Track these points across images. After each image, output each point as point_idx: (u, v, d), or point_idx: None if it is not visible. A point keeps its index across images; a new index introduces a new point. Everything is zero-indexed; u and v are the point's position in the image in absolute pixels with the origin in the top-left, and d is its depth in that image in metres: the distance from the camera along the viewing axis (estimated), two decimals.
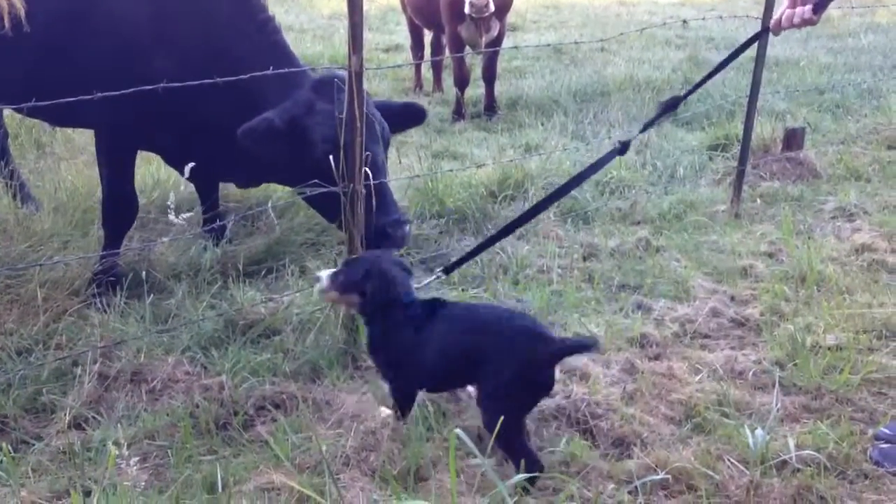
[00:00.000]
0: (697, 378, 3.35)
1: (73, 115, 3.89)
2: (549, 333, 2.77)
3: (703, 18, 8.54)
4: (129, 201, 4.01)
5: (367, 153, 3.35)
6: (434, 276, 3.31)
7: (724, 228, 4.96)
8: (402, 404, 2.92)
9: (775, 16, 3.17)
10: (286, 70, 3.61)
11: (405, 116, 3.96)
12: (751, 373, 3.37)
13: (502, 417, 2.42)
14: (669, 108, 3.66)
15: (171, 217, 2.86)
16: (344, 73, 3.36)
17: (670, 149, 6.33)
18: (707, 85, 8.28)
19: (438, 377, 2.84)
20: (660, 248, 4.64)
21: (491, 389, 2.65)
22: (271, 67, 3.47)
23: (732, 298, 4.08)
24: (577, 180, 3.53)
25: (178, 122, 3.84)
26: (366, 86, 3.34)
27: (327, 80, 3.74)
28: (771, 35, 3.54)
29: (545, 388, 2.70)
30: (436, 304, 2.92)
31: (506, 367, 2.62)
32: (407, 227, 3.83)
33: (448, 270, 3.37)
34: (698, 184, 5.77)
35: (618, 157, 5.74)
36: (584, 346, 2.67)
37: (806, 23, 3.08)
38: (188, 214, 2.90)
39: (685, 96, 3.69)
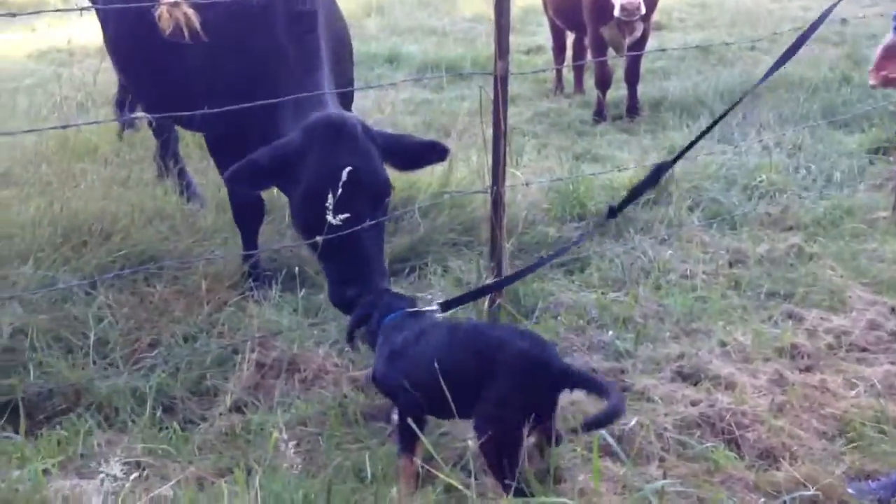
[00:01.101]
0: (853, 392, 3.21)
1: (189, 121, 4.13)
2: (553, 359, 2.60)
3: (863, 16, 8.06)
4: (251, 201, 4.12)
5: (346, 215, 3.01)
6: (431, 308, 3.01)
7: (884, 236, 4.68)
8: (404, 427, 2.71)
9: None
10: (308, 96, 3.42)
11: (424, 154, 3.53)
12: None
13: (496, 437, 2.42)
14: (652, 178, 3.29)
15: (329, 218, 3.00)
16: (339, 115, 3.28)
17: (826, 151, 6.03)
18: (866, 84, 7.83)
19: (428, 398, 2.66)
20: (813, 256, 4.45)
21: (484, 411, 2.53)
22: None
23: (893, 310, 3.86)
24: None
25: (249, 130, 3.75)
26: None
27: (321, 124, 3.29)
28: None
29: (543, 411, 2.50)
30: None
31: (501, 390, 2.50)
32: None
33: (446, 307, 3.09)
34: (857, 189, 5.47)
35: (768, 161, 5.63)
36: (599, 389, 2.53)
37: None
38: (346, 216, 3.03)
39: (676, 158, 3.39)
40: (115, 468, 2.15)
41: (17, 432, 2.80)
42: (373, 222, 3.21)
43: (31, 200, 4.50)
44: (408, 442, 2.65)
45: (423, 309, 2.97)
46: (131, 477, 2.24)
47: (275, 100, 3.30)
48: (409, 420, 2.64)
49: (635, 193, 3.29)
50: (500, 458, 2.46)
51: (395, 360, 2.76)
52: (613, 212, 3.26)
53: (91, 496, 2.17)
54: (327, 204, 3.00)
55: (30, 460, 2.57)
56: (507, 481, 2.43)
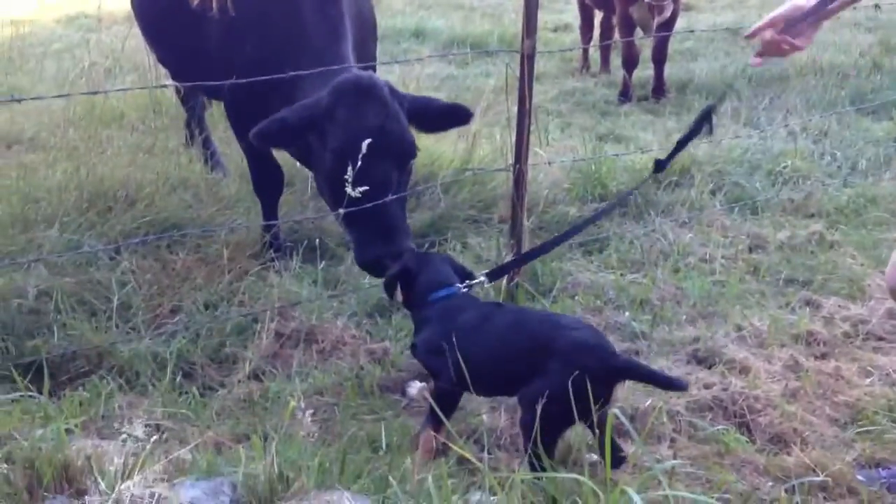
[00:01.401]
0: (868, 381, 3.21)
1: (212, 89, 4.15)
2: (608, 349, 2.62)
3: None
4: (271, 172, 4.17)
5: (375, 171, 3.12)
6: (477, 281, 3.00)
7: None
8: (442, 405, 2.69)
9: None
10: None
11: (449, 117, 3.55)
12: None
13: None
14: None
15: (348, 190, 3.05)
16: (367, 75, 3.32)
17: (853, 138, 5.97)
18: None
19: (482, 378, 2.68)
20: (834, 244, 4.42)
21: (532, 395, 2.49)
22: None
23: None
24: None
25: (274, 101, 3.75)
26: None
27: (350, 84, 3.34)
28: None
29: (595, 402, 2.41)
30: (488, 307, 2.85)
31: (552, 377, 2.48)
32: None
33: (492, 276, 3.12)
34: (881, 177, 5.41)
35: (793, 147, 5.58)
36: (661, 381, 2.61)
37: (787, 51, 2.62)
38: (366, 188, 3.08)
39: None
40: (138, 429, 2.21)
41: (40, 392, 2.87)
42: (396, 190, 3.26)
43: (57, 165, 4.56)
44: (437, 418, 2.62)
45: (474, 282, 2.96)
46: (152, 439, 2.30)
47: (297, 72, 3.32)
48: (445, 398, 2.68)
49: (683, 143, 3.25)
50: (538, 441, 2.42)
51: (451, 336, 2.69)
52: (660, 166, 3.26)
53: (113, 456, 2.23)
54: (351, 166, 3.04)
55: (53, 420, 2.62)
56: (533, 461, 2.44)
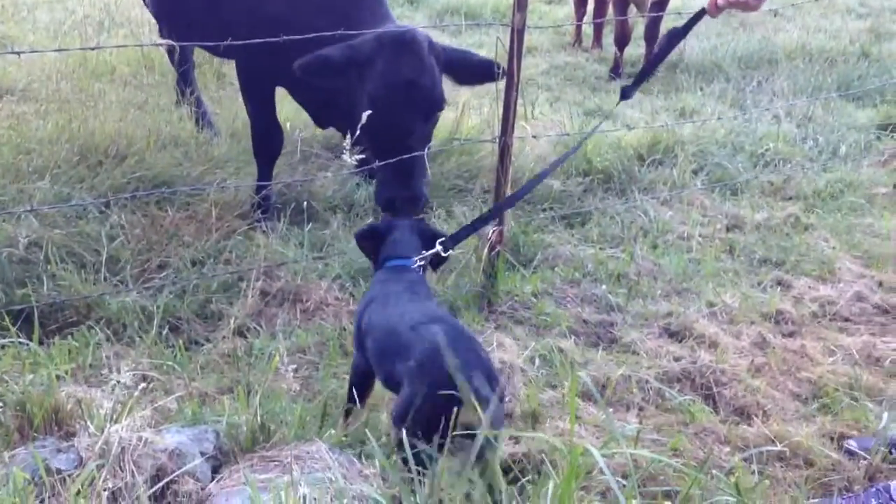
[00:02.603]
0: (831, 360, 3.34)
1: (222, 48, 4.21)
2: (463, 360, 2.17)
3: None
4: (273, 133, 4.25)
5: (402, 124, 3.40)
6: (432, 251, 2.91)
7: (881, 212, 4.77)
8: (354, 382, 2.62)
9: None
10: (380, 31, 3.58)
11: (481, 72, 3.74)
12: (888, 360, 3.32)
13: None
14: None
15: (345, 157, 3.14)
16: (410, 30, 3.50)
17: (836, 124, 6.07)
18: (885, 59, 7.76)
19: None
20: (809, 227, 4.54)
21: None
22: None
23: (881, 284, 3.97)
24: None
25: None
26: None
27: (394, 35, 3.53)
28: None
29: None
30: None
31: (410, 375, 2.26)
32: (419, 202, 3.53)
33: (446, 245, 2.94)
34: (861, 163, 5.53)
35: (777, 130, 5.67)
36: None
37: (743, 6, 2.82)
38: (361, 156, 3.18)
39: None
40: (126, 377, 2.29)
41: (30, 339, 2.94)
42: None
43: (49, 117, 4.59)
44: (350, 397, 2.59)
45: (428, 253, 2.85)
46: (139, 387, 2.39)
47: (299, 36, 3.36)
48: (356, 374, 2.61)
49: (646, 72, 3.43)
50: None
51: (364, 310, 2.63)
52: (625, 94, 3.30)
53: (101, 401, 2.32)
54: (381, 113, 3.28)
55: (42, 366, 2.71)
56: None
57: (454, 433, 2.00)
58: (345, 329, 3.35)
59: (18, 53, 2.60)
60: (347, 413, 2.64)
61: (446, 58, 3.63)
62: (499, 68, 3.66)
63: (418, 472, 1.96)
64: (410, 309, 2.51)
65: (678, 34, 3.22)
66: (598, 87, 7.14)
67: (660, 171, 5.06)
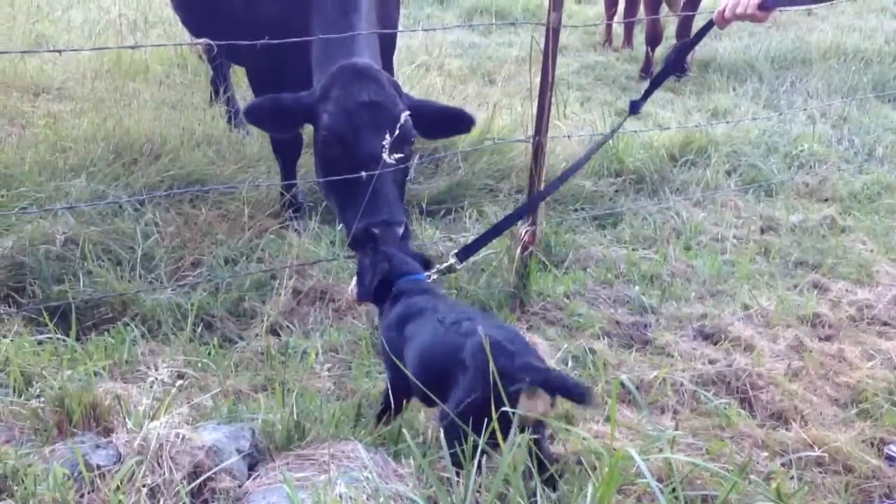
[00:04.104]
0: (870, 364, 3.28)
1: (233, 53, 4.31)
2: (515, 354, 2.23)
3: None
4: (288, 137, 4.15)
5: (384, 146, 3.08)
6: (446, 265, 2.92)
7: None
8: (390, 402, 2.53)
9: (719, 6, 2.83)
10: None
11: (450, 122, 3.46)
12: None
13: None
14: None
15: (385, 156, 3.10)
16: (363, 63, 3.28)
17: (871, 125, 5.98)
18: None
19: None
20: (846, 229, 4.48)
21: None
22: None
23: None
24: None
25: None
26: None
27: (346, 70, 3.33)
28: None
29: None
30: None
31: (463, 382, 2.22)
32: (398, 229, 3.16)
33: (461, 256, 2.96)
34: None
35: (812, 131, 5.60)
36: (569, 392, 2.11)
37: (751, 18, 2.77)
38: (399, 155, 3.15)
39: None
40: (164, 373, 2.31)
41: (67, 335, 2.97)
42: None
43: (84, 115, 4.63)
44: (380, 414, 2.55)
45: (443, 266, 2.85)
46: (176, 384, 2.40)
47: (306, 37, 3.37)
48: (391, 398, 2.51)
49: (655, 85, 3.34)
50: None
51: (392, 332, 2.56)
52: (635, 107, 3.28)
53: (139, 398, 2.33)
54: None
55: (80, 362, 2.73)
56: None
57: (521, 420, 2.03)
58: (376, 328, 3.35)
59: (59, 51, 2.62)
60: (380, 417, 2.62)
61: (409, 103, 3.33)
62: (471, 120, 3.40)
63: (456, 473, 1.95)
64: (446, 312, 2.49)
65: (686, 46, 3.21)
66: (628, 87, 7.09)
67: (692, 171, 5.01)
